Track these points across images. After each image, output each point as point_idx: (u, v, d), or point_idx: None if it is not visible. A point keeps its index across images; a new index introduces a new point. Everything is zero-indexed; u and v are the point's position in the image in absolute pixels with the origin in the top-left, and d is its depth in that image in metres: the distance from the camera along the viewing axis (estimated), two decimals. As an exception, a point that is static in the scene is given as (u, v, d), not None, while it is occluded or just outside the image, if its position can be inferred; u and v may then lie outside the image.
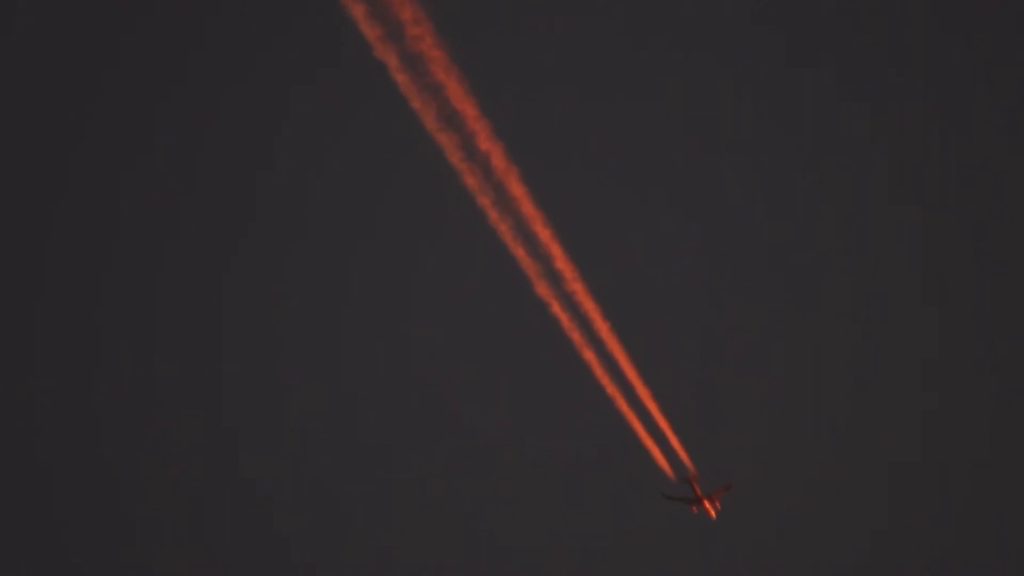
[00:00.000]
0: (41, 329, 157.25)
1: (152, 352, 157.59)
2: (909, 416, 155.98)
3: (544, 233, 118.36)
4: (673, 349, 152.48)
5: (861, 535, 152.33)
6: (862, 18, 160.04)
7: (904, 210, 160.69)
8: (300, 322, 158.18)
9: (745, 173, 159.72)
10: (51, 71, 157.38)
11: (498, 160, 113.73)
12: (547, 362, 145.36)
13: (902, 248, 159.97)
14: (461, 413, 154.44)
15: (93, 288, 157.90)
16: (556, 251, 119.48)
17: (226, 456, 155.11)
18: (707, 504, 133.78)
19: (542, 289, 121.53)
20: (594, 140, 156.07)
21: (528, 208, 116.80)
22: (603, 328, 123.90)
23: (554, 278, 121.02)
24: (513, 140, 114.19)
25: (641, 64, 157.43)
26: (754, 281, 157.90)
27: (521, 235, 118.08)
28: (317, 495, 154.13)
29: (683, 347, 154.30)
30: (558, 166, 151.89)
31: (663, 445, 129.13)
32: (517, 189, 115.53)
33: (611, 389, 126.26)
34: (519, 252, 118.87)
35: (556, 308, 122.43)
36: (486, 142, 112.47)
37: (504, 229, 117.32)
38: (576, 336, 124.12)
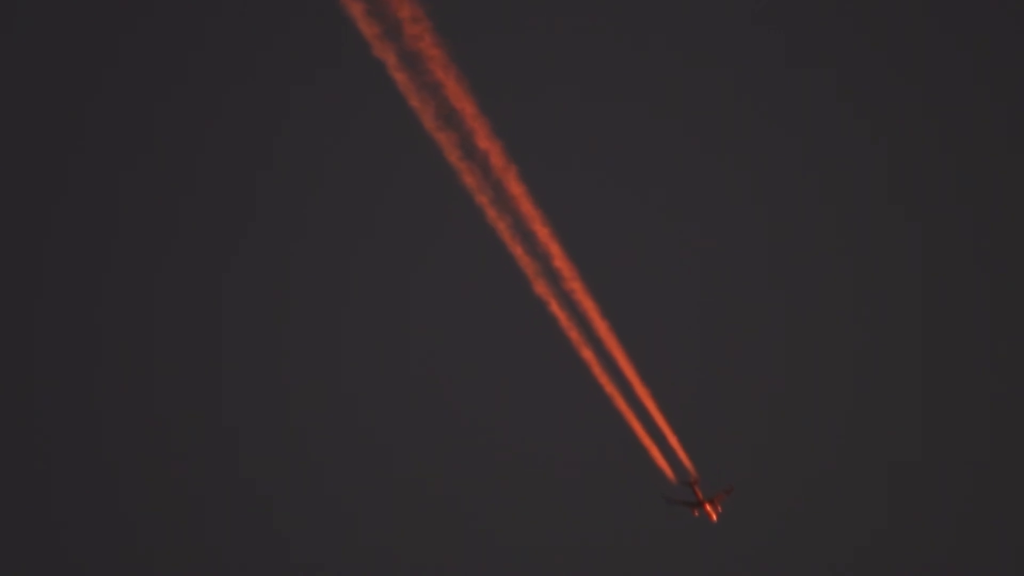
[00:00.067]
0: (41, 329, 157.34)
1: (152, 352, 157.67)
2: (909, 416, 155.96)
3: (543, 232, 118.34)
4: (673, 349, 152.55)
5: (861, 535, 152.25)
6: (862, 18, 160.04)
7: (904, 210, 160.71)
8: (300, 322, 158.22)
9: (745, 173, 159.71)
10: (51, 71, 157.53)
11: (497, 159, 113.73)
12: (547, 362, 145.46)
13: (902, 248, 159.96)
14: (461, 413, 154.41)
15: (93, 288, 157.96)
16: (555, 250, 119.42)
17: (226, 456, 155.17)
18: (708, 508, 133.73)
19: (541, 288, 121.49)
20: (594, 140, 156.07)
21: (527, 207, 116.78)
22: (602, 328, 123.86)
23: (553, 277, 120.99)
24: (512, 139, 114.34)
25: (641, 64, 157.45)
26: (754, 281, 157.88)
27: (520, 234, 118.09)
28: (317, 495, 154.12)
29: (683, 347, 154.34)
30: (557, 165, 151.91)
31: (663, 445, 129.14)
32: (516, 188, 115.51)
33: (611, 389, 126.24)
34: (518, 251, 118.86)
35: (555, 307, 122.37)
36: (485, 141, 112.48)
37: (503, 228, 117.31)
38: (575, 335, 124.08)
